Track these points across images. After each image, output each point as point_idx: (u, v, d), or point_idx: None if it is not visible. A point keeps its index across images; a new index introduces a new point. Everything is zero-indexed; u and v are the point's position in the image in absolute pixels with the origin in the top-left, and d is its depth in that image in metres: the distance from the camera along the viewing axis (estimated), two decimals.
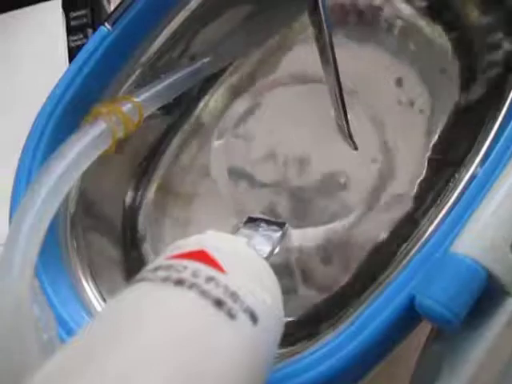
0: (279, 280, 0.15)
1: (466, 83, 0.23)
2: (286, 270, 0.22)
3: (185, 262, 0.13)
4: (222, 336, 0.12)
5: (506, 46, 0.21)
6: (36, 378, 0.11)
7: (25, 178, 0.21)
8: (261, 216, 0.24)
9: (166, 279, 0.13)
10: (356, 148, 0.23)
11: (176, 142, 0.27)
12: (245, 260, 0.15)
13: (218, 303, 0.12)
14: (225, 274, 0.13)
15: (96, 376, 0.10)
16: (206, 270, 0.13)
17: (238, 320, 0.12)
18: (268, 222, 0.22)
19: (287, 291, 0.21)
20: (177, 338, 0.11)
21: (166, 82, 0.24)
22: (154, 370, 0.10)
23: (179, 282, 0.12)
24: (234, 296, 0.13)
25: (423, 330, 0.16)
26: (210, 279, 0.13)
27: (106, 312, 0.13)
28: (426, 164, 0.22)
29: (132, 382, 0.10)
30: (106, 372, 0.10)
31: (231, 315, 0.12)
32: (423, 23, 0.25)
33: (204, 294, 0.12)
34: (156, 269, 0.13)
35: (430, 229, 0.17)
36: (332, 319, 0.17)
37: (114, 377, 0.10)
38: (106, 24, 0.23)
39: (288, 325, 0.16)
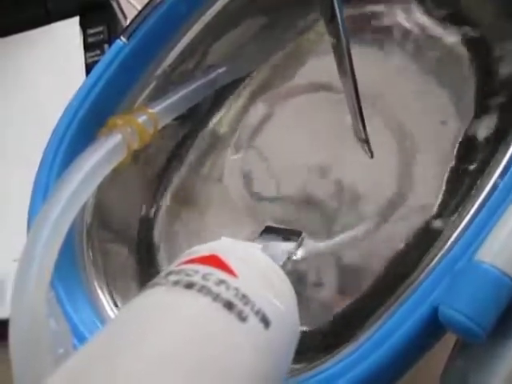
0: (295, 289, 0.15)
1: (486, 90, 0.22)
2: (303, 279, 0.22)
3: (196, 267, 0.13)
4: (232, 338, 0.12)
5: None
6: (50, 379, 0.11)
7: (42, 191, 0.21)
8: (277, 225, 0.23)
9: (176, 283, 0.13)
10: (373, 156, 0.23)
11: (192, 152, 0.27)
12: (258, 265, 0.15)
13: (229, 305, 0.12)
14: (236, 278, 0.13)
15: (108, 376, 0.10)
16: (216, 273, 0.13)
17: (248, 322, 0.12)
18: (284, 231, 0.22)
19: (303, 300, 0.21)
20: (187, 340, 0.11)
21: (181, 93, 0.24)
22: (163, 371, 0.10)
23: (189, 286, 0.12)
24: (245, 299, 0.12)
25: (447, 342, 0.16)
26: (220, 282, 0.13)
27: (119, 317, 0.13)
28: (448, 172, 0.22)
29: (143, 381, 0.10)
30: (116, 373, 0.10)
31: (242, 318, 0.12)
32: (441, 31, 0.24)
33: (214, 296, 0.12)
34: (168, 274, 0.13)
35: (453, 237, 0.16)
36: (351, 331, 0.17)
37: (125, 376, 0.10)
38: (122, 37, 0.23)
39: (304, 336, 0.16)
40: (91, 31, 0.40)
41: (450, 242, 0.16)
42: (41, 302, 0.16)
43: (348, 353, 0.15)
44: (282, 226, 0.23)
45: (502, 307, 0.14)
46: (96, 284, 0.22)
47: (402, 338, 0.15)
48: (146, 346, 0.11)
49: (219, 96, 0.28)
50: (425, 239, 0.20)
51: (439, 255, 0.16)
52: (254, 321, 0.12)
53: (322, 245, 0.23)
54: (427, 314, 0.15)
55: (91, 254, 0.23)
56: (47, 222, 0.18)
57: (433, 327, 0.15)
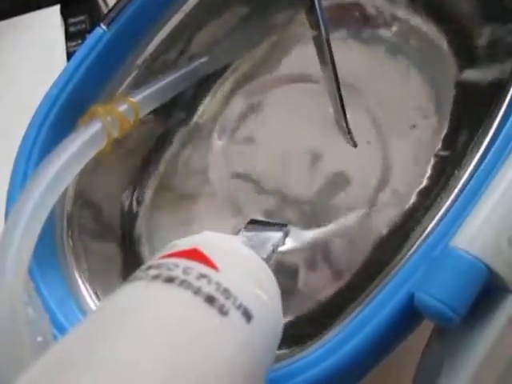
0: (280, 280, 0.15)
1: (464, 79, 0.23)
2: (287, 270, 0.22)
3: (177, 261, 0.13)
4: (213, 332, 0.12)
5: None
6: (28, 372, 0.11)
7: (20, 179, 0.21)
8: (262, 218, 0.23)
9: (156, 277, 0.12)
10: (355, 145, 0.23)
11: (175, 143, 0.27)
12: (240, 258, 0.14)
13: (210, 300, 0.12)
14: (218, 271, 0.13)
15: (86, 369, 0.10)
16: (197, 267, 0.13)
17: (230, 317, 0.12)
18: (269, 224, 0.22)
19: (288, 291, 0.21)
20: (167, 334, 0.11)
21: (163, 82, 0.23)
22: (142, 365, 0.10)
23: (169, 280, 0.12)
24: (227, 293, 0.12)
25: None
26: (201, 276, 0.12)
27: (98, 310, 0.13)
28: (428, 162, 0.22)
29: (121, 375, 0.10)
30: (93, 366, 0.10)
31: (223, 312, 0.12)
32: (419, 21, 0.25)
33: (195, 290, 0.12)
34: (148, 268, 0.13)
35: (431, 226, 0.17)
36: (332, 318, 0.17)
37: (95, 377, 0.10)
38: (102, 24, 0.23)
39: (288, 324, 0.16)
40: (73, 20, 0.40)
41: (428, 230, 0.17)
42: (19, 290, 0.16)
43: (328, 339, 0.16)
44: (267, 219, 0.23)
45: (476, 292, 0.14)
46: (76, 274, 0.22)
47: (379, 324, 0.15)
48: (122, 344, 0.11)
49: (202, 86, 0.27)
50: (406, 227, 0.20)
51: (417, 243, 0.16)
52: (235, 315, 0.12)
53: (306, 235, 0.23)
54: (404, 301, 0.15)
55: (72, 244, 0.22)
56: (25, 209, 0.18)
57: (409, 314, 0.15)
